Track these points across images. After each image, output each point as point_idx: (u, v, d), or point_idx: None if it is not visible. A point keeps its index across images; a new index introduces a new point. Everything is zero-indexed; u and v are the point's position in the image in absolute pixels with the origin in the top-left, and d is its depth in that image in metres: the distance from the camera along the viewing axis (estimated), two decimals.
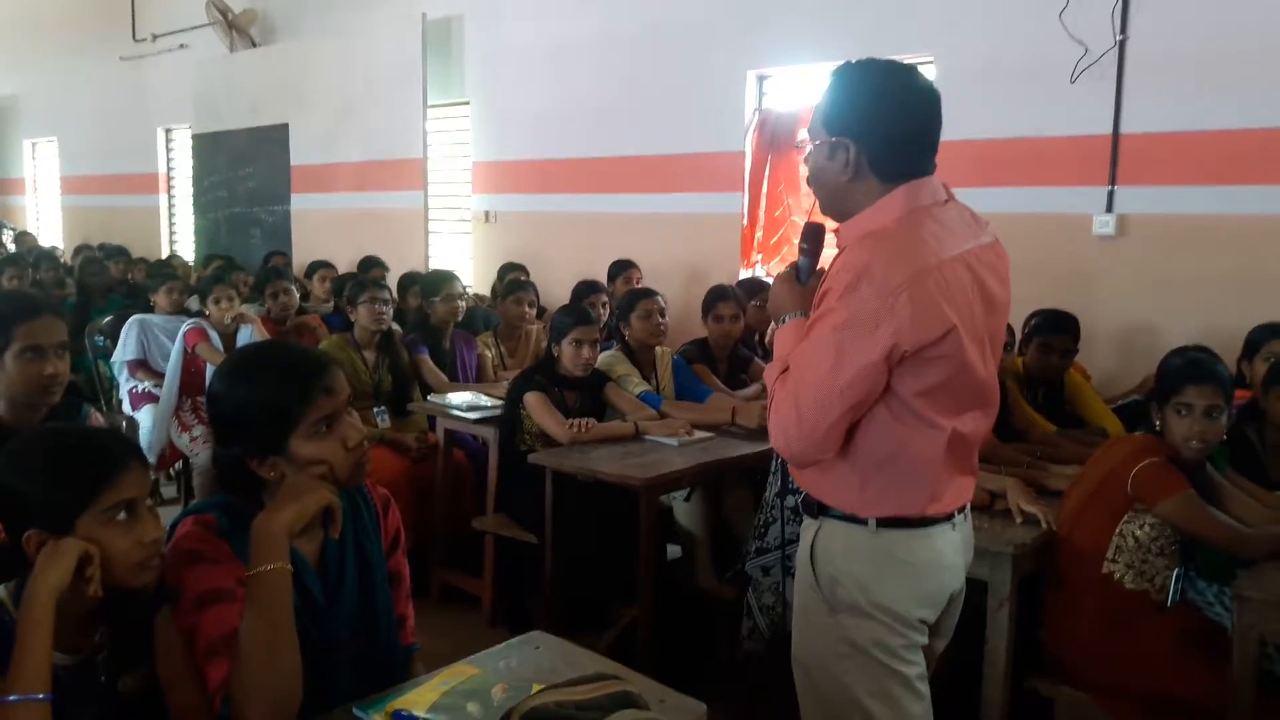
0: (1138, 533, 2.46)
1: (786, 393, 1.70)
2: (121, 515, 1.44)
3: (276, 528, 1.47)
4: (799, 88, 5.37)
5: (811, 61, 5.16)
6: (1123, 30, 4.13)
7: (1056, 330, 3.57)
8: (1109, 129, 4.20)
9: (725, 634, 3.31)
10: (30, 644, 1.33)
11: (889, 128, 1.71)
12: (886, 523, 1.75)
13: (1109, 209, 4.23)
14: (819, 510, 1.82)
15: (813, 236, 1.89)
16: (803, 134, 1.87)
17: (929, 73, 1.90)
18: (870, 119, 1.71)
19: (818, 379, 1.65)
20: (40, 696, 1.31)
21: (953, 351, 1.66)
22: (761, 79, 5.45)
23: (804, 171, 5.16)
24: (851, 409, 1.66)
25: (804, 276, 1.86)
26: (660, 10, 5.72)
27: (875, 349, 1.61)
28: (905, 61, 1.81)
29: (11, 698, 1.30)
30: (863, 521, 1.76)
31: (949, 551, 1.80)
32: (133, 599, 1.49)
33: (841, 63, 1.78)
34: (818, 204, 1.84)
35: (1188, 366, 2.55)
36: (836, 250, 1.78)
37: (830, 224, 1.87)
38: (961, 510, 1.84)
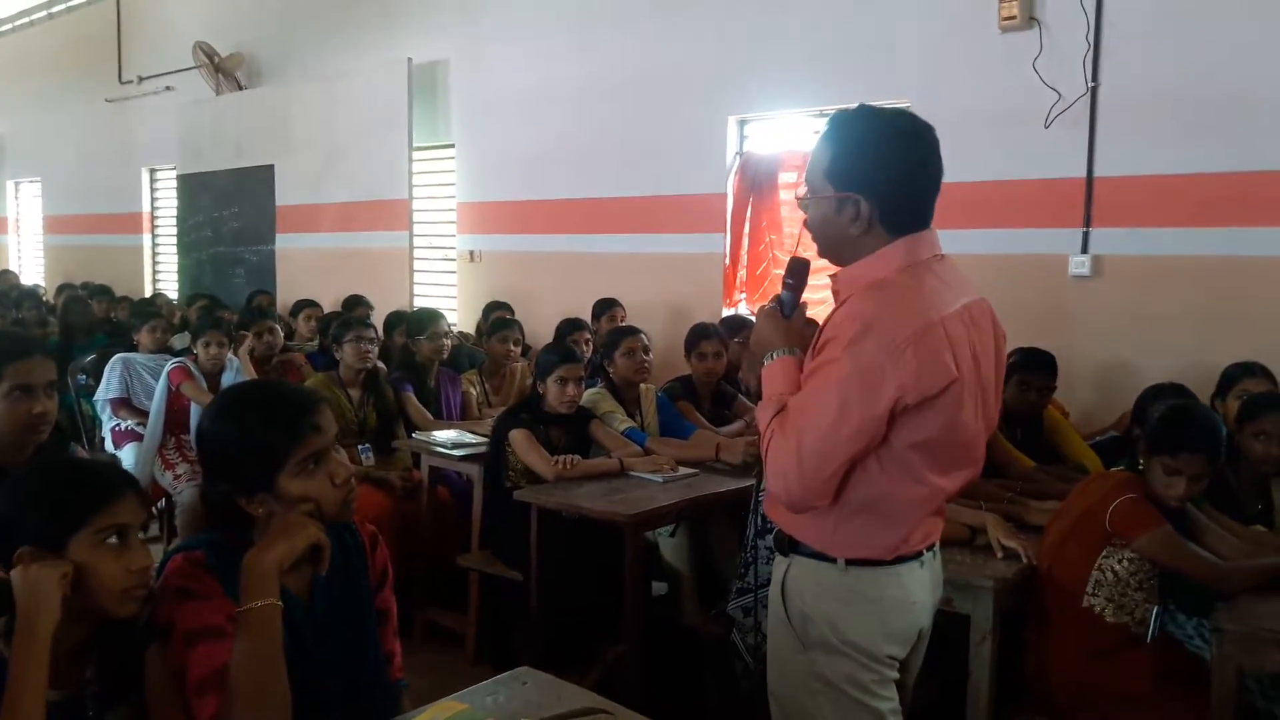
0: (1116, 567, 2.49)
1: (787, 440, 1.68)
2: (113, 540, 1.46)
3: (267, 565, 1.49)
4: (779, 132, 5.47)
5: (791, 108, 5.25)
6: (1094, 77, 4.24)
7: (1035, 368, 3.62)
8: (1083, 172, 4.29)
9: (711, 670, 3.31)
10: (27, 679, 1.34)
11: (898, 181, 1.71)
12: (855, 561, 1.77)
13: (1084, 250, 4.31)
14: (790, 547, 1.83)
15: (797, 271, 1.89)
16: (791, 177, 1.90)
17: None
18: (879, 174, 1.70)
19: (820, 429, 1.65)
20: None
21: (950, 405, 1.68)
22: (742, 123, 5.54)
23: (788, 214, 5.19)
24: (851, 459, 1.68)
25: (788, 311, 1.86)
26: (643, 58, 5.82)
27: (879, 402, 1.62)
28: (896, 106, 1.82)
29: None
30: (832, 560, 1.77)
31: (917, 589, 1.82)
32: (121, 635, 1.50)
33: (831, 111, 1.80)
34: (816, 249, 1.84)
35: (1186, 429, 2.50)
36: (833, 295, 1.79)
37: (818, 262, 1.90)
38: (930, 548, 1.85)
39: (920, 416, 1.66)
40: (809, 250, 1.93)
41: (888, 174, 1.71)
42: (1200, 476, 2.48)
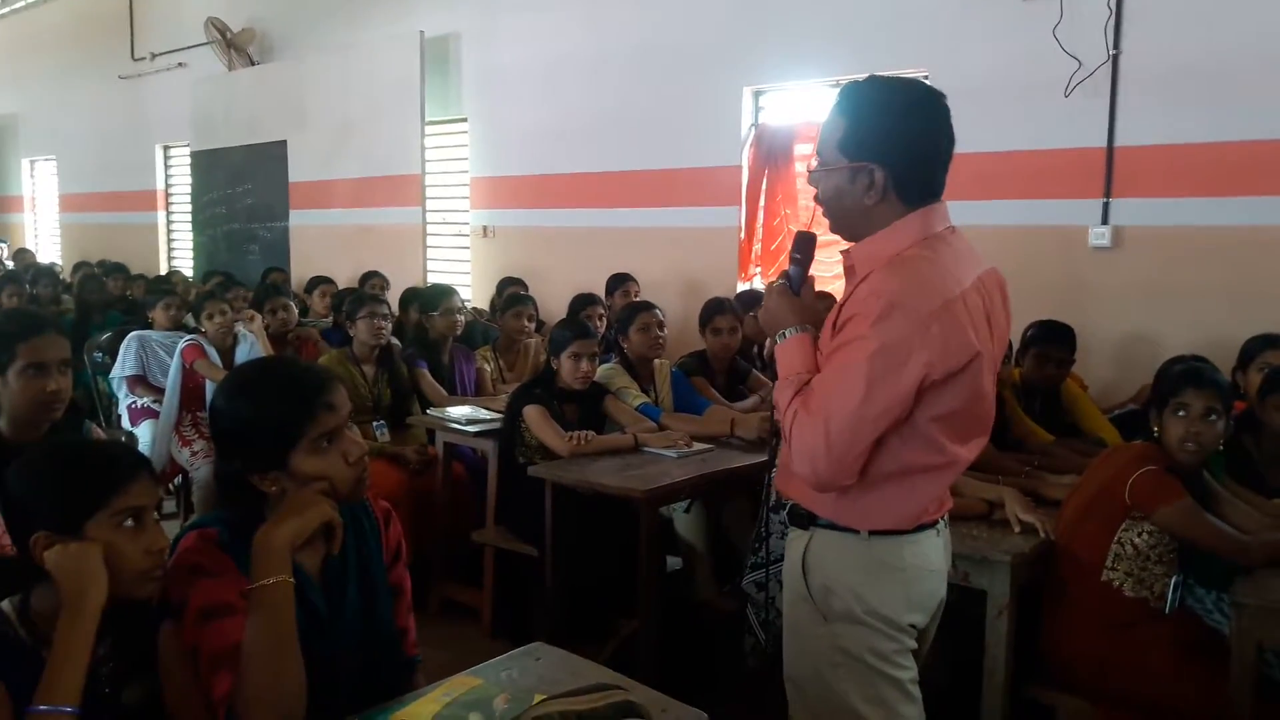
0: (1136, 540, 2.47)
1: (813, 419, 1.67)
2: (129, 522, 1.46)
3: (278, 541, 1.49)
4: (795, 103, 5.41)
5: (807, 78, 5.19)
6: (1116, 45, 4.16)
7: (1053, 341, 3.59)
8: (1103, 142, 4.23)
9: (726, 646, 3.31)
10: (70, 656, 1.36)
11: (912, 150, 1.70)
12: (878, 532, 1.77)
13: (1104, 221, 4.25)
14: (809, 521, 1.82)
15: (804, 245, 1.88)
16: (807, 149, 1.89)
17: None
18: (893, 142, 1.69)
19: (849, 408, 1.63)
20: (68, 710, 1.33)
21: (972, 378, 1.68)
22: (757, 95, 5.48)
23: (803, 186, 5.15)
24: (878, 435, 1.67)
25: (796, 286, 1.85)
26: (656, 29, 5.76)
27: (908, 378, 1.62)
28: (907, 76, 1.80)
29: (41, 707, 1.32)
30: (854, 531, 1.77)
31: (935, 556, 1.84)
32: (136, 611, 1.50)
33: (847, 81, 1.78)
34: (828, 223, 1.83)
35: (1188, 371, 2.59)
36: (845, 271, 1.79)
37: (826, 236, 1.89)
38: (943, 517, 1.87)
39: (944, 391, 1.67)
40: (823, 224, 1.91)
41: (901, 142, 1.69)
42: (1211, 413, 2.47)
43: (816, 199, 1.82)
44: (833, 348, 1.70)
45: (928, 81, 1.80)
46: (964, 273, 1.70)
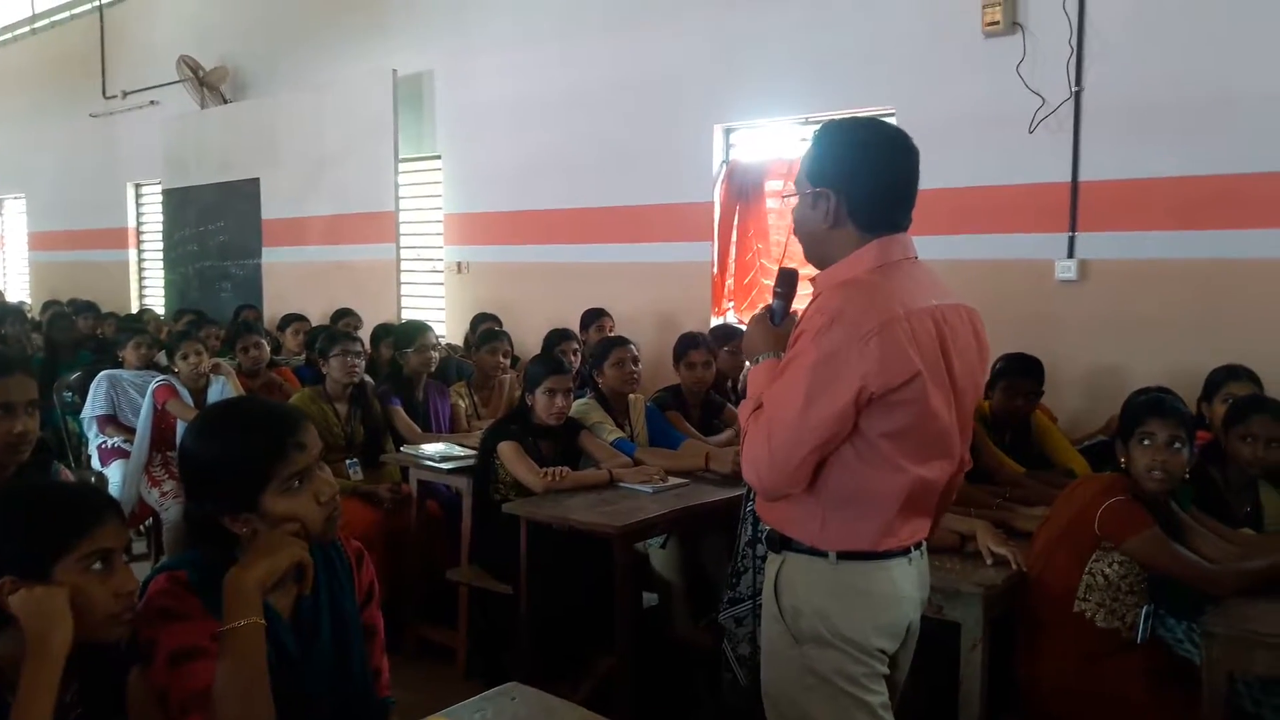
0: (1107, 570, 2.49)
1: (760, 429, 1.77)
2: (98, 565, 1.44)
3: (248, 583, 1.48)
4: (765, 140, 5.48)
5: (776, 116, 5.26)
6: (1078, 82, 4.26)
7: (1022, 374, 3.62)
8: (1068, 177, 4.31)
9: (703, 682, 3.29)
10: (35, 702, 1.34)
11: (867, 179, 1.80)
12: (845, 555, 1.81)
13: (1070, 254, 4.33)
14: (782, 544, 1.88)
15: (787, 281, 1.98)
16: (777, 185, 1.97)
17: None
18: (849, 171, 1.81)
19: (789, 416, 1.72)
20: None
21: (917, 397, 1.74)
22: (728, 132, 5.55)
23: (774, 222, 5.24)
24: (820, 446, 1.74)
25: (778, 319, 1.94)
26: (628, 67, 5.83)
27: (845, 390, 1.69)
28: (874, 116, 1.88)
29: None
30: (823, 554, 1.82)
31: (905, 584, 1.87)
32: (104, 656, 1.48)
33: (815, 119, 1.87)
34: (801, 251, 1.93)
35: (1151, 401, 2.65)
36: (813, 297, 1.86)
37: (805, 271, 1.95)
38: (918, 546, 1.91)
39: (888, 407, 1.73)
40: (796, 259, 1.97)
41: (855, 170, 1.81)
42: (1176, 442, 2.50)
43: (794, 229, 1.93)
44: (782, 364, 1.80)
45: (894, 119, 1.86)
46: (916, 298, 1.77)
